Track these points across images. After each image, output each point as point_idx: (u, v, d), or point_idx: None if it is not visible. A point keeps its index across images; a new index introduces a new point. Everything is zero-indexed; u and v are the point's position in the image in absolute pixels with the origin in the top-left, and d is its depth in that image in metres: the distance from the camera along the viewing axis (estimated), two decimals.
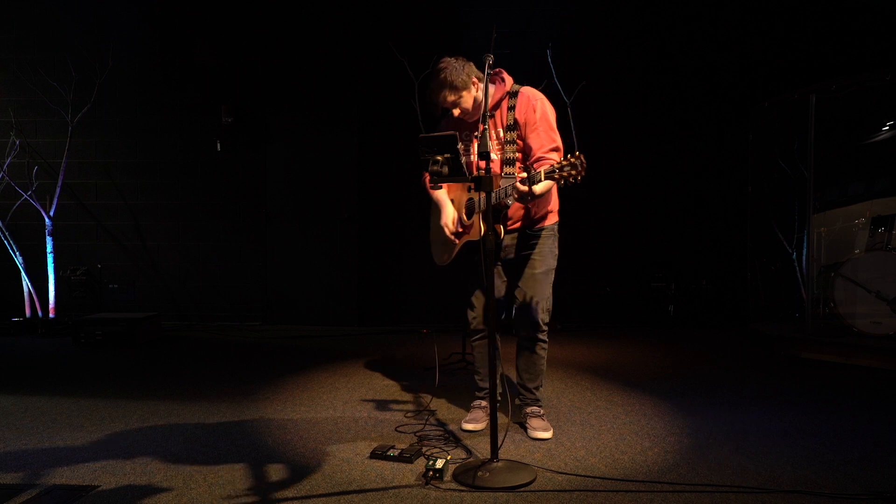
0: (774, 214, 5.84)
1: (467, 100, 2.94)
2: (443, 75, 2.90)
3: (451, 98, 2.92)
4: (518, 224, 3.01)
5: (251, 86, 6.52)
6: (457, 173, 2.50)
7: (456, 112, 2.97)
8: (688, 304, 6.36)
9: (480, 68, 2.91)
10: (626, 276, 6.45)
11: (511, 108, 2.92)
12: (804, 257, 5.48)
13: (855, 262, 4.83)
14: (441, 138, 2.51)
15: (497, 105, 2.97)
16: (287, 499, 2.36)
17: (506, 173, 2.88)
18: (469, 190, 2.99)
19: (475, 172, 2.92)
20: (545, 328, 3.04)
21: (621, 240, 6.44)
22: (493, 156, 2.92)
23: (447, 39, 5.88)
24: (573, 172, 2.49)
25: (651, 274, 6.38)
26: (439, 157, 2.48)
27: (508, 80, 3.01)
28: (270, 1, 6.48)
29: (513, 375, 3.24)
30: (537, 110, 2.90)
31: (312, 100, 6.52)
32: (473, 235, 2.94)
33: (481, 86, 2.93)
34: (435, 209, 3.20)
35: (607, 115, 6.17)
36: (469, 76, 2.92)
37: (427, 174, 3.18)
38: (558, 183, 2.54)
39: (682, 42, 6.32)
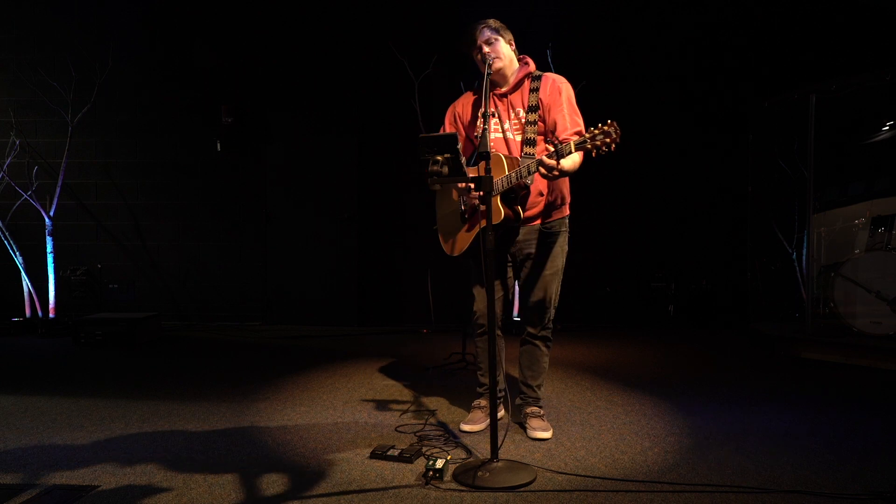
0: (774, 214, 5.84)
1: (502, 47, 2.91)
2: (488, 19, 2.93)
3: (487, 34, 2.89)
4: (535, 211, 2.95)
5: (251, 86, 6.52)
6: (457, 173, 2.49)
7: (486, 49, 2.87)
8: (688, 304, 6.36)
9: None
10: (626, 276, 6.45)
11: (534, 90, 2.91)
12: (804, 257, 5.48)
13: (855, 262, 4.83)
14: (441, 138, 2.50)
15: (518, 85, 2.96)
16: (287, 499, 2.35)
17: (525, 153, 2.86)
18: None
19: (508, 149, 2.91)
20: (551, 326, 3.06)
21: (621, 240, 6.44)
22: (514, 136, 2.93)
23: (447, 39, 5.88)
24: (607, 140, 2.48)
25: (651, 274, 6.38)
26: (439, 157, 2.47)
27: (532, 63, 3.01)
28: (270, 1, 6.48)
29: (515, 373, 3.23)
30: (563, 93, 2.91)
31: (312, 100, 6.52)
32: (494, 219, 2.79)
33: (513, 55, 2.95)
34: (442, 195, 3.12)
35: (607, 115, 6.11)
36: (508, 33, 2.96)
37: None
38: (590, 154, 2.53)
39: (682, 42, 6.32)
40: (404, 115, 5.85)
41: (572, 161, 2.68)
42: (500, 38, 2.91)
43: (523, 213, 2.90)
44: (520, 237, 2.99)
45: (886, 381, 4.05)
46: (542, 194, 2.93)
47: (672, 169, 6.37)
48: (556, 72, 5.60)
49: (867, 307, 4.68)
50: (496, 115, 2.96)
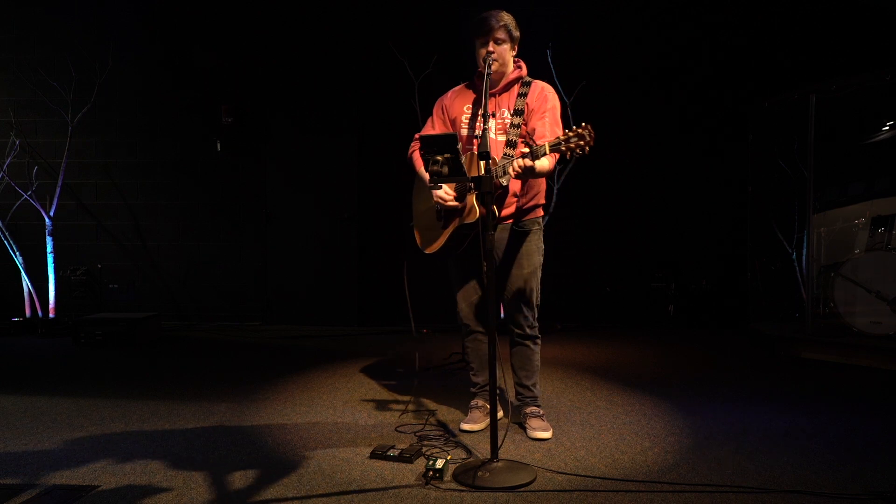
0: (774, 214, 5.84)
1: (506, 52, 2.91)
2: (507, 15, 2.91)
3: (498, 34, 2.87)
4: (509, 211, 2.97)
5: (251, 86, 6.52)
6: (457, 173, 2.49)
7: (490, 46, 2.86)
8: (688, 304, 6.35)
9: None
10: (626, 276, 6.45)
11: (522, 95, 2.94)
12: (804, 257, 5.48)
13: (855, 262, 4.83)
14: (441, 138, 2.50)
15: (508, 87, 2.98)
16: (287, 499, 2.36)
17: (505, 154, 2.88)
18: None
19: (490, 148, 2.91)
20: (536, 324, 3.08)
21: (621, 240, 6.44)
22: (497, 137, 2.94)
23: (447, 39, 5.89)
24: (581, 143, 2.50)
25: (651, 274, 6.38)
26: (439, 157, 2.47)
27: (525, 69, 3.03)
28: (270, 1, 6.48)
29: (508, 374, 3.23)
30: (549, 101, 2.94)
31: (312, 100, 6.52)
32: (468, 218, 2.84)
33: (511, 59, 2.95)
34: (420, 190, 3.13)
35: (607, 115, 6.15)
36: (517, 43, 2.95)
37: (415, 144, 3.13)
38: (564, 155, 2.56)
39: (682, 42, 6.32)
40: (404, 115, 5.84)
41: (542, 164, 2.71)
42: (507, 41, 2.91)
43: (499, 212, 2.91)
44: (494, 236, 2.98)
45: (886, 381, 4.05)
46: (516, 195, 2.96)
47: (672, 169, 6.37)
48: (557, 72, 5.64)
49: (867, 307, 4.68)
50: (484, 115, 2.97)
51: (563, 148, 2.53)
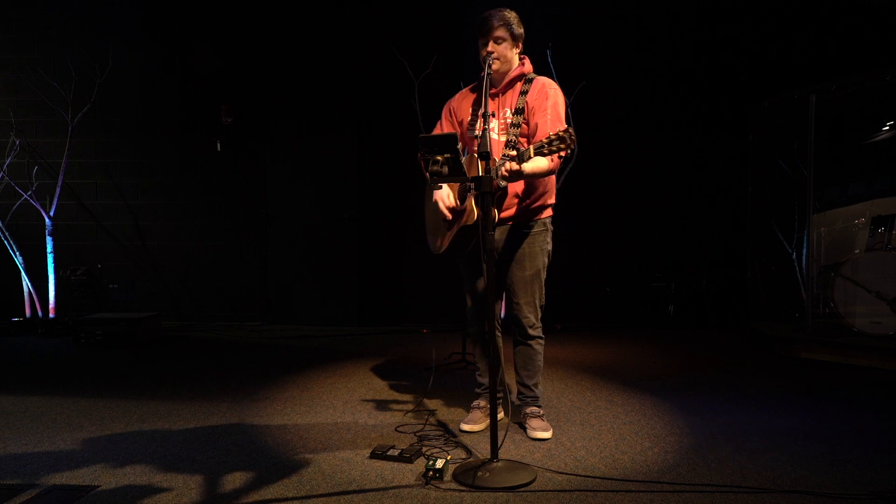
0: (774, 214, 5.84)
1: (507, 50, 2.90)
2: (509, 13, 2.89)
3: (498, 33, 2.87)
4: (511, 212, 2.96)
5: (251, 86, 6.52)
6: (457, 173, 2.49)
7: (490, 46, 2.87)
8: (688, 304, 6.36)
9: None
10: (626, 276, 6.45)
11: (523, 93, 2.92)
12: (804, 257, 5.48)
13: (855, 262, 4.84)
14: (441, 138, 2.50)
15: (510, 85, 2.97)
16: (287, 499, 2.36)
17: (504, 155, 2.85)
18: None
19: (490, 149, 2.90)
20: (539, 325, 3.07)
21: (621, 240, 6.44)
22: (499, 137, 2.94)
23: (447, 39, 5.90)
24: (562, 146, 2.52)
25: (651, 274, 6.38)
26: (439, 157, 2.47)
27: (529, 65, 3.00)
28: (270, 1, 6.48)
29: (511, 373, 3.24)
30: (549, 97, 2.91)
31: (312, 100, 6.52)
32: (468, 220, 2.85)
33: (514, 57, 2.94)
34: (429, 192, 3.15)
35: (607, 115, 6.17)
36: (520, 40, 2.94)
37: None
38: (547, 157, 2.57)
39: (681, 42, 6.32)
40: (404, 115, 5.85)
41: (535, 165, 2.70)
42: (508, 40, 2.89)
43: (499, 213, 2.91)
44: (497, 237, 2.98)
45: (886, 381, 4.05)
46: (517, 196, 2.95)
47: (672, 169, 6.37)
48: (557, 72, 5.64)
49: (867, 307, 4.69)
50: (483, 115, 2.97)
51: (546, 151, 2.54)
